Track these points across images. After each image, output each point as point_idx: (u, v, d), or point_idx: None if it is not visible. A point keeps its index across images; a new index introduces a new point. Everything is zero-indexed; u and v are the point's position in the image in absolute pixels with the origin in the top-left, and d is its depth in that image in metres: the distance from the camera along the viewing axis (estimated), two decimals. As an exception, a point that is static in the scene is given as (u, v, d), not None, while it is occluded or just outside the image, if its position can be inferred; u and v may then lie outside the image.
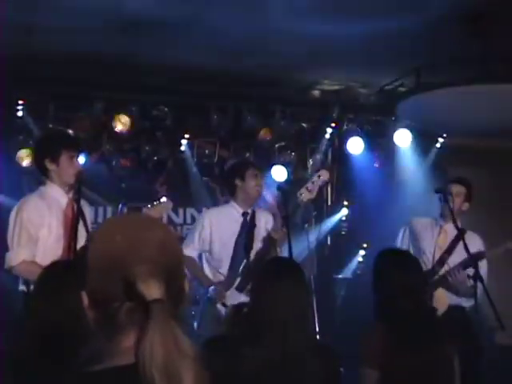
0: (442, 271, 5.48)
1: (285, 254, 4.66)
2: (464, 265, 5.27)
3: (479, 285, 5.05)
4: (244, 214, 5.30)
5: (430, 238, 5.67)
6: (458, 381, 3.27)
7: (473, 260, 5.00)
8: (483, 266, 5.40)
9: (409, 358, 3.08)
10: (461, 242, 5.29)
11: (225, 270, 5.21)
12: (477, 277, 4.92)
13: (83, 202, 4.54)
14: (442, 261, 5.55)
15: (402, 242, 5.80)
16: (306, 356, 2.74)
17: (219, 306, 5.09)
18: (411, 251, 5.59)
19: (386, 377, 3.08)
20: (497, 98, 5.19)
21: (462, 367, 3.35)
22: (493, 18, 5.22)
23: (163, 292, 1.53)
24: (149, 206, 4.54)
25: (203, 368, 1.53)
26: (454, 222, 5.32)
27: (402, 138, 7.93)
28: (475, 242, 5.55)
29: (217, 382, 2.65)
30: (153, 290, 1.51)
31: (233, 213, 5.31)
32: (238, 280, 5.19)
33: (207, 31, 5.67)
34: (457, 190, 5.50)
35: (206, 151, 7.55)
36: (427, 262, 5.56)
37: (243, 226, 5.28)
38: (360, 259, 7.95)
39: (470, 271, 5.12)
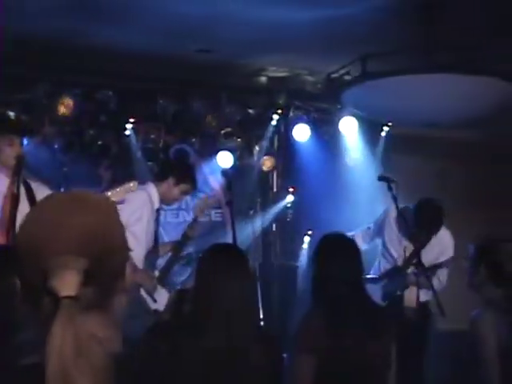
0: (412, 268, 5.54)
1: (229, 241, 4.64)
2: (417, 274, 5.30)
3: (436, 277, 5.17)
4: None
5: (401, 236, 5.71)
6: (394, 367, 3.29)
7: (432, 269, 5.08)
8: (439, 282, 5.49)
9: (344, 343, 3.08)
10: (433, 240, 5.34)
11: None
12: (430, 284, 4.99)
13: (39, 186, 4.46)
14: (409, 262, 5.59)
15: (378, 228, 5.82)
16: (250, 345, 2.71)
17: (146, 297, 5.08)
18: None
19: (322, 362, 3.08)
20: (442, 88, 5.23)
21: (404, 351, 3.37)
22: (439, 8, 5.25)
23: (79, 286, 1.41)
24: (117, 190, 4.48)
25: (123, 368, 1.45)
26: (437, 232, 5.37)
27: (348, 126, 7.97)
28: (444, 242, 5.60)
29: (158, 370, 2.63)
30: (65, 286, 1.40)
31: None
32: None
33: (154, 14, 5.58)
34: None
35: (151, 136, 7.46)
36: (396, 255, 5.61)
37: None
38: (305, 246, 7.97)
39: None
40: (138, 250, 4.85)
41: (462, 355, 3.55)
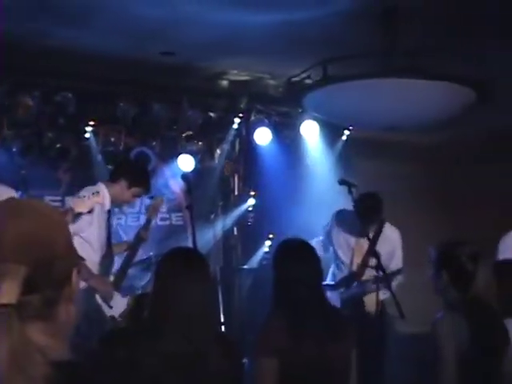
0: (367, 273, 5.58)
1: (190, 244, 4.62)
2: (375, 281, 5.34)
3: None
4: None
5: (349, 236, 5.76)
6: (355, 369, 3.31)
7: (387, 280, 5.11)
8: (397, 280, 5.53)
9: (305, 345, 3.09)
10: (380, 236, 5.39)
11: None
12: (389, 289, 5.02)
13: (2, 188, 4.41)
14: (364, 263, 5.63)
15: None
16: (210, 349, 2.70)
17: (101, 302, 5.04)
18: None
19: (283, 365, 3.08)
20: (401, 92, 5.28)
21: (365, 353, 3.39)
22: (398, 13, 5.30)
23: (19, 294, 1.37)
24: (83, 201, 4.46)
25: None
26: (380, 221, 5.40)
27: (309, 130, 8.01)
28: (391, 237, 5.65)
29: (117, 377, 2.60)
30: (2, 294, 1.36)
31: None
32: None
33: (115, 16, 5.52)
34: None
35: (112, 139, 7.39)
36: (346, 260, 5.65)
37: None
38: (266, 249, 7.97)
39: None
40: (91, 256, 4.80)
41: (424, 358, 3.57)
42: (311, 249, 3.46)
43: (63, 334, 1.45)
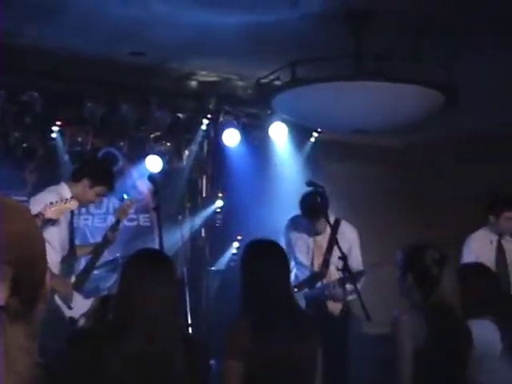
0: (328, 273, 5.60)
1: (156, 246, 4.59)
2: (341, 282, 5.38)
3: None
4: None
5: (307, 237, 5.78)
6: (320, 369, 3.32)
7: (351, 280, 5.13)
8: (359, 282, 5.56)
9: (271, 347, 3.09)
10: (337, 235, 5.42)
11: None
12: (356, 291, 5.05)
13: None
14: (325, 262, 5.66)
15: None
16: (175, 351, 2.69)
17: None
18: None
19: (249, 366, 3.07)
20: (369, 95, 5.31)
21: (329, 354, 3.40)
22: (367, 16, 5.33)
23: (7, 296, 1.34)
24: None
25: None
26: (327, 217, 5.42)
27: (278, 132, 8.02)
28: (348, 236, 5.68)
29: (82, 379, 2.57)
30: None
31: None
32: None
33: (83, 14, 5.48)
34: None
35: (79, 139, 7.33)
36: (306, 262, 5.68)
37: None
38: (234, 251, 7.97)
39: None
40: (52, 256, 4.74)
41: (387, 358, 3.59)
42: (280, 249, 3.46)
43: (37, 335, 1.43)
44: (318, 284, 5.66)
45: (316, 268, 5.69)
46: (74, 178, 5.26)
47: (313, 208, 5.54)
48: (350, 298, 5.50)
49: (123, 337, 2.64)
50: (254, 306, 3.20)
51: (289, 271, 3.43)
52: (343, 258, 5.12)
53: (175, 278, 2.88)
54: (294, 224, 5.86)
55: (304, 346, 3.21)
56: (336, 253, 5.40)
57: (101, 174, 5.32)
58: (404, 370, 3.22)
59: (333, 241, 5.50)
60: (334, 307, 5.58)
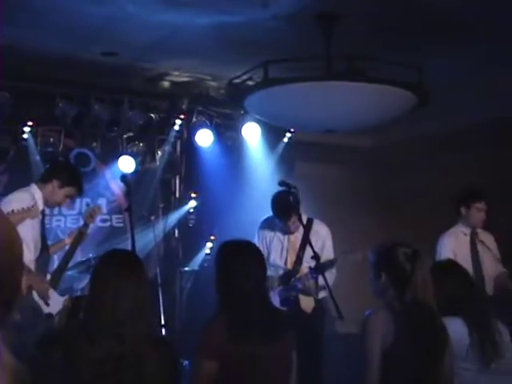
0: (301, 270, 5.64)
1: (128, 247, 4.57)
2: (311, 274, 5.41)
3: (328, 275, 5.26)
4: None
5: (281, 237, 5.82)
6: (295, 369, 3.33)
7: (321, 270, 5.15)
8: (331, 273, 5.59)
9: (246, 347, 3.10)
10: (311, 234, 5.46)
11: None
12: (326, 286, 5.07)
13: None
14: (298, 259, 5.70)
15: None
16: (145, 352, 2.68)
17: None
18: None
19: (224, 367, 3.08)
20: (341, 95, 5.35)
21: (304, 352, 3.42)
22: (337, 17, 5.37)
23: None
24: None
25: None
26: (299, 216, 5.45)
27: (251, 132, 8.05)
28: (321, 234, 5.72)
29: (52, 380, 2.56)
30: None
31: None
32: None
33: (55, 14, 5.45)
34: None
35: (51, 140, 7.29)
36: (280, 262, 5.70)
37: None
38: (207, 251, 7.97)
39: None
40: (27, 255, 4.74)
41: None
42: (257, 249, 3.47)
43: (9, 338, 1.42)
44: (291, 281, 5.69)
45: (289, 266, 5.73)
46: (44, 180, 5.24)
47: (283, 208, 5.58)
48: (323, 294, 5.52)
49: (93, 338, 2.63)
50: (231, 306, 3.20)
51: (265, 271, 3.44)
52: (316, 257, 5.15)
53: (145, 278, 2.87)
54: (268, 224, 5.89)
55: (280, 346, 3.22)
56: (309, 252, 5.43)
57: (70, 175, 5.30)
58: (372, 369, 3.24)
59: (306, 239, 5.54)
60: (307, 305, 5.61)
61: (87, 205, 5.76)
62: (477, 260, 6.20)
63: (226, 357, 3.06)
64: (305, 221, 5.63)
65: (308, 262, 5.52)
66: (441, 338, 3.37)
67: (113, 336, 2.64)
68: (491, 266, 6.26)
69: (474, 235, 6.31)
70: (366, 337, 3.29)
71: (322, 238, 5.76)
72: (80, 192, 5.39)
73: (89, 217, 5.61)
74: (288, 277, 5.67)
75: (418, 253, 3.40)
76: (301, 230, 5.65)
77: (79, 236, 5.51)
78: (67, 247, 5.58)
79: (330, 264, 5.53)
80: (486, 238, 6.35)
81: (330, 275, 5.53)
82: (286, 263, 5.76)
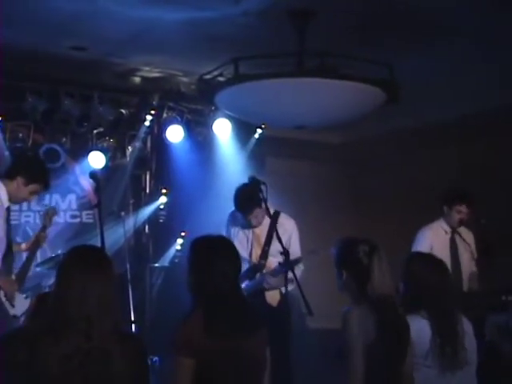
0: (267, 265, 5.64)
1: (98, 243, 4.53)
2: (279, 271, 5.41)
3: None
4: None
5: (246, 230, 5.82)
6: (269, 364, 3.34)
7: (289, 266, 5.15)
8: (298, 268, 5.60)
9: (222, 343, 3.09)
10: (277, 228, 5.46)
11: None
12: (295, 278, 5.08)
13: None
14: (264, 253, 5.70)
15: None
16: (112, 351, 2.65)
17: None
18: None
19: (202, 363, 3.07)
20: (312, 92, 5.37)
21: (275, 347, 3.42)
22: (309, 14, 5.39)
23: None
24: None
25: None
26: (264, 210, 5.47)
27: (222, 128, 8.05)
28: (287, 227, 5.72)
29: (17, 379, 2.54)
30: None
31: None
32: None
33: (23, 6, 5.40)
34: None
35: (20, 135, 7.22)
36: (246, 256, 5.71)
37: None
38: (178, 247, 7.96)
39: None
40: None
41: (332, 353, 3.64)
42: (231, 244, 3.46)
43: None
44: (257, 276, 5.68)
45: (255, 260, 5.72)
46: (8, 176, 5.15)
47: (243, 202, 5.60)
48: (291, 287, 5.53)
49: (59, 335, 2.60)
50: (207, 302, 3.19)
51: (240, 266, 3.44)
52: (285, 253, 5.15)
53: (112, 274, 2.82)
54: (234, 218, 5.89)
55: (255, 342, 3.22)
56: (275, 246, 5.45)
57: (35, 171, 5.22)
58: (355, 365, 3.26)
59: (272, 233, 5.55)
60: (272, 298, 5.61)
61: (45, 205, 5.74)
62: (456, 257, 6.27)
63: (203, 353, 3.05)
64: (271, 213, 5.64)
65: (274, 256, 5.53)
66: (404, 335, 3.41)
67: (79, 332, 2.61)
68: (468, 263, 6.34)
69: (454, 232, 6.37)
70: (348, 332, 3.30)
71: (289, 231, 5.75)
72: (46, 188, 5.32)
73: (47, 220, 5.60)
74: (254, 271, 5.66)
75: (377, 248, 3.44)
76: (266, 223, 5.67)
77: (37, 242, 5.51)
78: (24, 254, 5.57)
79: (296, 261, 5.52)
80: (467, 235, 6.42)
81: (298, 270, 5.54)
82: (250, 256, 5.75)
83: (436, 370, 3.56)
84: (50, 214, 5.72)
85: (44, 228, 5.61)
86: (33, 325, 2.82)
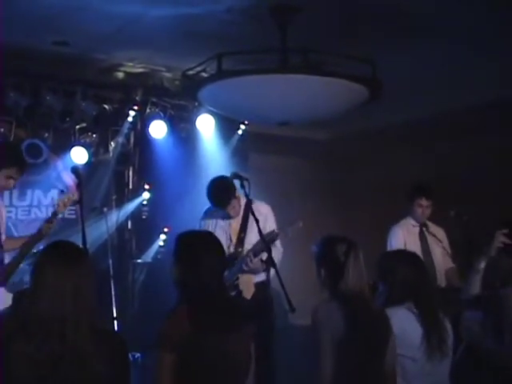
0: (243, 252, 5.65)
1: (79, 239, 4.49)
2: (256, 251, 5.43)
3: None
4: None
5: (223, 223, 5.83)
6: (253, 360, 3.34)
7: (265, 243, 5.13)
8: (277, 249, 5.59)
9: (208, 340, 3.09)
10: (251, 217, 5.46)
11: None
12: (270, 261, 5.07)
13: None
14: (240, 241, 5.71)
15: None
16: (88, 353, 2.59)
17: None
18: None
19: (185, 359, 3.06)
20: (293, 88, 5.37)
21: (258, 343, 3.43)
22: (293, 10, 5.39)
23: None
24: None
25: None
26: (234, 201, 5.52)
27: (205, 124, 8.05)
28: (262, 212, 5.71)
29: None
30: None
31: None
32: None
33: (3, 1, 5.35)
34: None
35: (1, 130, 7.17)
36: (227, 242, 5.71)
37: None
38: (161, 243, 7.95)
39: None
40: None
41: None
42: (216, 239, 3.46)
43: None
44: (235, 263, 5.66)
45: (232, 249, 5.72)
46: None
47: (221, 194, 5.62)
48: (260, 279, 5.52)
49: (31, 337, 2.53)
50: (192, 297, 3.18)
51: (226, 261, 3.45)
52: (259, 231, 5.12)
53: (89, 270, 2.75)
54: (209, 214, 5.90)
55: (241, 337, 3.22)
56: (251, 235, 5.48)
57: (8, 154, 5.17)
58: (324, 360, 3.29)
59: (247, 219, 5.59)
60: (247, 290, 5.59)
61: (61, 191, 5.57)
62: (427, 252, 6.30)
63: (188, 348, 3.04)
64: (243, 203, 5.65)
65: (250, 245, 5.55)
66: (381, 329, 3.43)
67: (52, 333, 2.55)
68: (441, 259, 6.37)
69: (422, 227, 6.41)
70: (317, 327, 3.34)
71: (264, 214, 5.73)
72: (21, 171, 5.20)
73: (62, 206, 5.28)
74: (231, 260, 5.64)
75: (354, 246, 3.50)
76: (241, 213, 5.71)
77: (39, 235, 5.19)
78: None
79: (272, 236, 5.47)
80: (437, 231, 6.46)
81: (276, 252, 5.53)
82: (229, 248, 5.75)
83: (420, 362, 3.60)
84: (66, 200, 5.22)
85: (54, 215, 5.20)
86: (7, 323, 2.73)
